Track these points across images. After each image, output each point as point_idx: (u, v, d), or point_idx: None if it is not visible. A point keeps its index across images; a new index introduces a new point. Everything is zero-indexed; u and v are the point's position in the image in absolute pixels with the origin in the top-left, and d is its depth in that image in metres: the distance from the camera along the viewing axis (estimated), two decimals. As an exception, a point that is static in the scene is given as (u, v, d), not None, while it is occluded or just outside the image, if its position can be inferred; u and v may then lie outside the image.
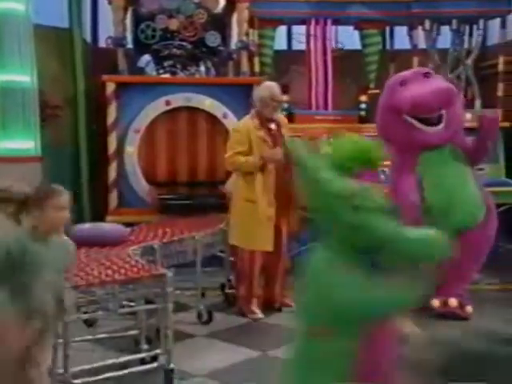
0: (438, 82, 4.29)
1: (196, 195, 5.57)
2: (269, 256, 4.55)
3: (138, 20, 5.93)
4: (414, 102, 4.15)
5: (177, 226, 4.56)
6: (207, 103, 5.70)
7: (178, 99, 5.65)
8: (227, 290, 4.90)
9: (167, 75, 5.92)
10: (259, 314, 4.52)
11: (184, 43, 5.89)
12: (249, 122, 4.51)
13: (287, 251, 4.73)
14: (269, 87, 4.55)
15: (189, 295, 4.58)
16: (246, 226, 4.43)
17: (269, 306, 4.65)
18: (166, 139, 5.75)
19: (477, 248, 4.37)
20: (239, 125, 4.61)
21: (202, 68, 6.09)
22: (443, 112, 4.27)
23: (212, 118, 5.76)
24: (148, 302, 3.51)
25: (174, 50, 5.88)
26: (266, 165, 4.40)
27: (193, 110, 5.73)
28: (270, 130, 4.53)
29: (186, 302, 4.64)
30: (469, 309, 4.39)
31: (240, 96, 5.77)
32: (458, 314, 4.39)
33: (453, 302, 4.42)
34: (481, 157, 4.43)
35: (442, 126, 4.28)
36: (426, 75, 4.38)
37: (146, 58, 6.13)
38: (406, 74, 4.47)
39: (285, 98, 4.61)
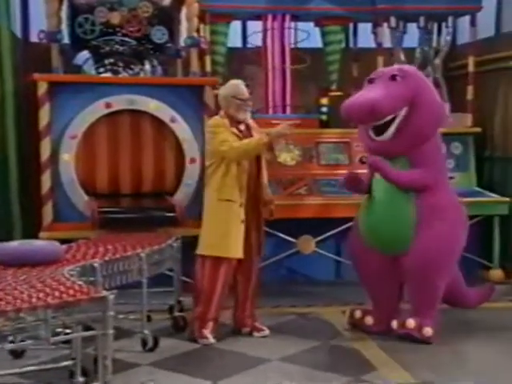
0: (367, 93, 4.34)
1: (141, 208, 5.52)
2: (238, 270, 4.60)
3: (74, 12, 5.87)
4: (343, 112, 4.32)
5: (120, 242, 4.51)
6: (153, 106, 5.67)
7: (120, 101, 5.60)
8: (176, 313, 4.85)
9: (108, 74, 5.86)
10: (211, 339, 4.52)
11: (127, 39, 5.86)
12: (223, 119, 4.57)
13: (258, 264, 4.76)
14: (232, 85, 4.60)
15: (132, 319, 4.54)
16: (219, 229, 4.46)
17: (237, 331, 4.69)
18: (107, 146, 5.69)
19: (423, 266, 4.42)
20: (217, 119, 4.59)
21: (148, 67, 6.03)
22: (397, 120, 4.33)
23: (158, 123, 5.73)
24: (85, 328, 3.43)
25: (116, 47, 5.84)
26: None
27: (137, 114, 5.69)
28: (239, 131, 4.57)
29: (130, 328, 4.60)
30: (427, 331, 4.42)
31: (189, 98, 5.77)
32: (415, 336, 4.43)
33: (410, 322, 4.46)
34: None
35: (388, 135, 4.34)
36: (370, 81, 4.46)
37: (84, 54, 6.03)
38: (378, 71, 4.63)
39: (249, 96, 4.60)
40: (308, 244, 6.10)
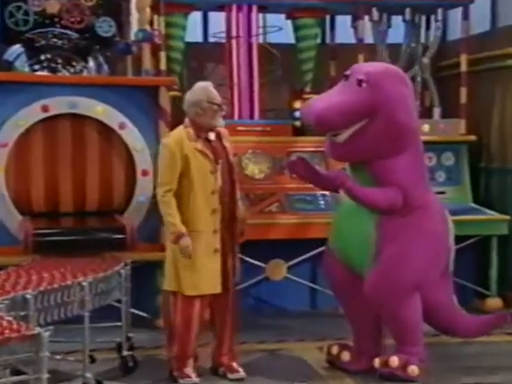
0: (324, 98, 4.44)
1: (84, 229, 5.49)
2: (215, 302, 4.64)
3: (4, 0, 5.83)
4: (318, 116, 4.37)
5: (58, 269, 4.46)
6: (99, 110, 5.64)
7: (60, 104, 5.57)
8: (125, 352, 4.79)
9: (44, 72, 5.83)
10: (194, 378, 4.56)
11: (67, 31, 5.83)
12: (182, 132, 4.58)
13: (236, 297, 4.79)
14: (203, 88, 4.59)
15: (73, 361, 4.48)
16: (187, 264, 4.47)
17: (215, 369, 4.73)
18: (44, 156, 5.65)
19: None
20: (169, 137, 4.65)
21: (92, 64, 6.01)
22: (351, 128, 4.38)
23: (105, 129, 5.70)
24: (15, 372, 3.37)
25: (54, 40, 5.82)
26: (182, 237, 4.42)
27: (79, 119, 5.66)
28: (209, 141, 4.57)
29: (69, 371, 4.54)
30: (413, 370, 4.43)
31: (141, 101, 5.76)
32: (399, 375, 4.44)
33: (394, 360, 4.47)
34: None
35: (342, 137, 4.41)
36: (346, 78, 4.52)
37: (16, 49, 5.99)
38: (353, 68, 4.64)
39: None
40: (279, 269, 6.09)
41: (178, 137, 4.55)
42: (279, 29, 6.82)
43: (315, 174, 4.65)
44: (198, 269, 4.47)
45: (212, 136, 4.59)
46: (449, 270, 4.69)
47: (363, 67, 4.66)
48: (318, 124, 4.39)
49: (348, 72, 4.52)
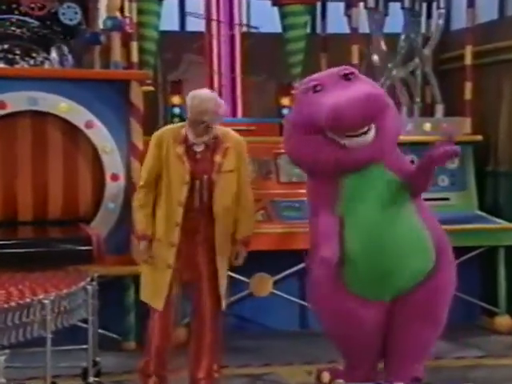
0: (364, 87, 4.37)
1: (46, 240, 5.43)
2: (193, 322, 4.74)
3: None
4: (334, 115, 4.21)
5: (15, 285, 4.39)
6: (62, 107, 5.62)
7: (19, 100, 5.55)
8: (91, 378, 4.73)
9: (1, 65, 5.80)
10: None
11: (26, 19, 5.83)
12: (175, 129, 4.63)
13: (215, 318, 4.73)
14: (192, 96, 4.51)
15: (33, 388, 4.47)
16: (146, 273, 4.69)
17: None
18: (1, 158, 5.63)
19: (422, 309, 4.46)
20: (163, 130, 4.71)
21: (55, 55, 5.98)
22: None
23: (70, 129, 5.68)
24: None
25: (12, 29, 5.81)
26: (141, 239, 4.62)
27: (41, 117, 5.64)
28: (194, 150, 4.57)
29: (29, 399, 4.54)
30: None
31: (111, 97, 5.74)
32: None
33: (325, 376, 4.59)
34: (422, 185, 4.50)
35: (370, 136, 4.34)
36: (347, 77, 4.46)
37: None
38: (320, 76, 4.54)
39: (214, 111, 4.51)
40: (264, 284, 6.08)
41: (165, 133, 4.60)
42: (264, 17, 6.81)
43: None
44: (152, 280, 4.63)
45: (198, 147, 4.56)
46: None
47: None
48: (362, 114, 4.22)
49: (351, 71, 4.50)
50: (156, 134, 4.64)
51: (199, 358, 4.72)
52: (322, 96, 4.35)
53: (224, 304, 4.72)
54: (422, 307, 4.45)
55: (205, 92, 4.60)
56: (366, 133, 4.34)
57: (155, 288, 4.61)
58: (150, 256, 4.58)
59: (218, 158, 4.58)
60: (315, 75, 4.55)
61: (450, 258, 4.52)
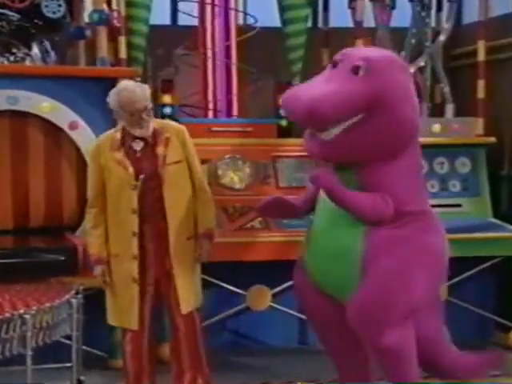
0: (314, 86, 4.32)
1: (27, 250, 5.43)
2: (172, 339, 4.86)
3: None
4: (309, 108, 4.21)
5: (-6, 298, 4.42)
6: (45, 106, 5.61)
7: (-3, 99, 5.56)
8: (77, 399, 4.75)
9: (-22, 61, 5.83)
10: None
11: (6, 12, 5.83)
12: (108, 137, 4.75)
13: (192, 335, 4.80)
14: (116, 92, 4.61)
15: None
16: (111, 292, 4.75)
17: None
18: (-22, 161, 5.63)
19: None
20: (96, 141, 4.87)
21: (36, 51, 5.99)
22: (345, 123, 4.29)
23: (53, 130, 5.68)
24: None
25: (-9, 23, 5.82)
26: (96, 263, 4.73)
27: (21, 117, 5.64)
28: (134, 150, 4.66)
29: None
30: None
31: (97, 96, 5.65)
32: None
33: None
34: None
35: (331, 133, 4.32)
36: (334, 64, 4.43)
37: None
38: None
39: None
40: (262, 297, 6.08)
41: (101, 142, 4.74)
42: (262, 10, 6.82)
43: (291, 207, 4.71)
44: (117, 299, 4.71)
45: (137, 145, 4.65)
46: (439, 294, 4.71)
47: (358, 52, 4.59)
48: (311, 117, 4.23)
49: (338, 57, 4.47)
50: (91, 147, 4.78)
51: (179, 374, 4.80)
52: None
53: (188, 308, 4.73)
54: (351, 324, 4.42)
55: (127, 82, 4.73)
56: (324, 130, 4.31)
57: (124, 307, 4.67)
58: (109, 277, 4.67)
59: (160, 150, 4.65)
60: (349, 50, 4.52)
61: (384, 268, 4.37)
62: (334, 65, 4.42)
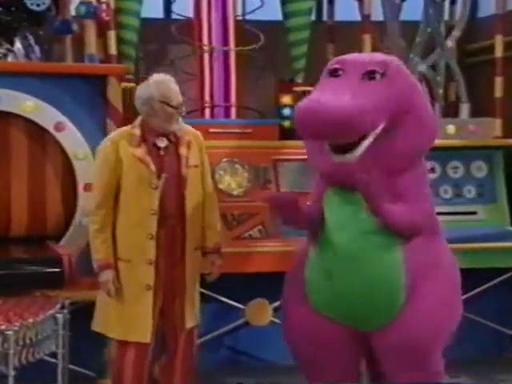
0: (337, 95, 4.22)
1: (8, 261, 5.40)
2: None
3: None
4: (300, 120, 4.19)
5: (-27, 313, 4.43)
6: (28, 106, 5.61)
7: (-23, 98, 5.56)
8: (62, 421, 4.76)
9: (-43, 57, 5.84)
10: None
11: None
12: (125, 132, 4.70)
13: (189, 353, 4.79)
14: (157, 83, 4.59)
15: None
16: (116, 301, 4.62)
17: None
18: (-44, 166, 5.64)
19: (398, 353, 4.46)
20: (109, 138, 4.78)
21: (20, 46, 5.99)
22: (370, 136, 4.26)
23: (37, 131, 5.68)
24: None
25: (-31, 16, 5.85)
26: (104, 269, 4.62)
27: (2, 117, 5.62)
28: (157, 148, 4.62)
29: None
30: None
31: (84, 94, 5.74)
32: None
33: None
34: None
35: (356, 153, 4.29)
36: (334, 73, 4.41)
37: None
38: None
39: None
40: (262, 312, 6.09)
41: (117, 137, 4.66)
42: (262, 2, 6.83)
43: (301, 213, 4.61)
44: (125, 309, 4.59)
45: (162, 142, 4.63)
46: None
47: (363, 57, 4.55)
48: (353, 129, 4.13)
49: (336, 65, 4.43)
50: (104, 144, 4.69)
51: None
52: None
53: (191, 323, 4.73)
54: (397, 351, 4.42)
55: (164, 76, 4.69)
56: (349, 148, 4.25)
57: (135, 318, 4.57)
58: (117, 285, 4.59)
59: (183, 151, 4.67)
60: (348, 56, 4.47)
61: (427, 291, 4.41)
62: (333, 74, 4.41)
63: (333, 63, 4.44)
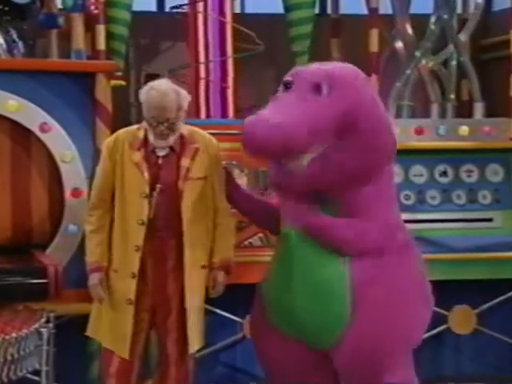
0: (278, 110, 4.32)
1: (-10, 271, 5.44)
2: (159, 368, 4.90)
3: None
4: (284, 139, 4.21)
5: (-49, 327, 4.42)
6: (11, 105, 5.60)
7: (-42, 97, 5.56)
8: None
9: None
10: None
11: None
12: (130, 133, 4.74)
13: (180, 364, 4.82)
14: (150, 97, 4.56)
15: None
16: (107, 308, 4.75)
17: None
18: None
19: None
20: (115, 135, 4.83)
21: (2, 41, 5.98)
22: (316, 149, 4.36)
23: (21, 132, 5.67)
24: None
25: None
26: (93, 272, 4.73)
27: (-16, 118, 5.65)
28: (156, 155, 4.64)
29: None
30: None
31: (72, 93, 5.72)
32: None
33: None
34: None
35: (307, 159, 4.36)
36: (287, 86, 4.45)
37: None
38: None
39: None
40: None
41: (120, 137, 4.69)
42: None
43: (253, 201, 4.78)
44: (112, 318, 4.70)
45: (162, 150, 4.64)
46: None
47: (312, 69, 4.55)
48: (287, 149, 4.23)
49: (289, 78, 4.46)
50: (107, 140, 4.75)
51: None
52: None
53: (197, 346, 4.80)
54: (349, 371, 4.52)
55: (164, 83, 4.63)
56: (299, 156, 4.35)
57: (115, 331, 4.66)
58: (106, 291, 4.66)
59: (185, 162, 4.65)
60: (299, 69, 4.58)
61: (374, 310, 4.45)
62: (286, 86, 4.43)
63: (287, 75, 4.53)
